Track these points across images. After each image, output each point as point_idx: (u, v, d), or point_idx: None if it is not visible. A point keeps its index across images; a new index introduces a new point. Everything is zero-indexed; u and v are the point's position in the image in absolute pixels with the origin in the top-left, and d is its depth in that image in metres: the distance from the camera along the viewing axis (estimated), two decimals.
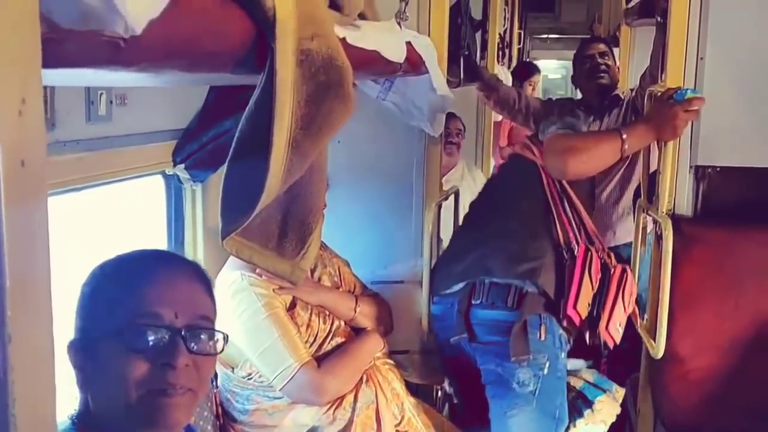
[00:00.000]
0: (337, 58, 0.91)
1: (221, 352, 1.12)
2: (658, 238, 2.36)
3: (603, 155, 2.29)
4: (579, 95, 3.57)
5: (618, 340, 2.25)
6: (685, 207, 2.40)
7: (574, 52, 3.50)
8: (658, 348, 2.23)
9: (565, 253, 2.23)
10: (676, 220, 2.35)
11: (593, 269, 2.17)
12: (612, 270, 2.22)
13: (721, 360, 2.31)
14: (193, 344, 1.05)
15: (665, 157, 2.33)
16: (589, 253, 2.18)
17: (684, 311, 2.31)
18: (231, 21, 0.83)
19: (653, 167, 2.50)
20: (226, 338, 1.12)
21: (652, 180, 2.52)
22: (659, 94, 2.35)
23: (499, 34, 5.02)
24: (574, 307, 2.11)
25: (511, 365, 2.15)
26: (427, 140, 2.51)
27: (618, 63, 3.68)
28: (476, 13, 4.02)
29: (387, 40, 1.64)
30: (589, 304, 2.16)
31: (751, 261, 2.30)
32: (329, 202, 2.50)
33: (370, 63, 1.48)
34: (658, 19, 3.00)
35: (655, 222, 2.41)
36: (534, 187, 2.38)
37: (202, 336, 1.08)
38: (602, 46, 3.42)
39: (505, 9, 5.31)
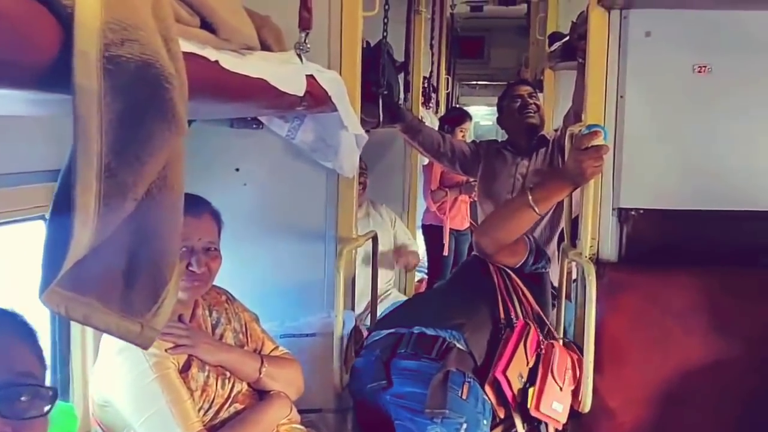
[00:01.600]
0: (161, 70, 0.74)
1: (47, 413, 0.93)
2: (583, 283, 2.24)
3: (517, 225, 2.28)
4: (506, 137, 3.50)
5: (560, 420, 2.06)
6: (609, 251, 2.30)
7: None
8: (584, 402, 2.09)
9: (502, 330, 2.15)
10: (601, 264, 2.25)
11: (529, 342, 2.07)
12: (543, 347, 2.12)
13: (651, 413, 2.19)
14: (5, 408, 0.86)
15: (586, 199, 2.23)
16: (528, 327, 2.10)
17: (611, 363, 2.18)
18: (29, 20, 0.66)
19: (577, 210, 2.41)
20: (55, 395, 0.93)
21: (576, 223, 2.43)
22: (578, 132, 2.27)
23: (425, 77, 4.96)
24: (504, 372, 1.96)
25: (424, 420, 1.97)
26: (339, 182, 2.35)
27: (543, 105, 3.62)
28: (399, 56, 3.93)
29: (279, 69, 1.49)
30: (521, 376, 2.01)
31: (676, 307, 2.20)
32: (234, 249, 2.33)
33: (254, 92, 1.31)
34: (580, 60, 2.96)
35: (578, 267, 2.30)
36: (483, 265, 2.34)
37: (21, 398, 0.90)
38: (529, 88, 3.37)
39: (431, 53, 5.26)
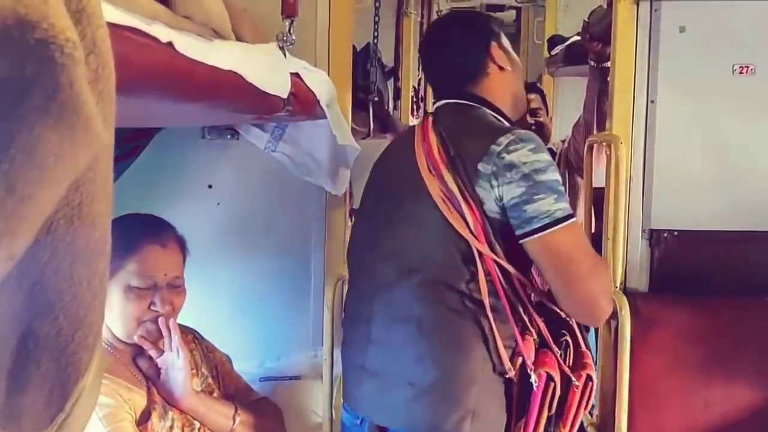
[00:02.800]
0: (49, 33, 0.42)
1: None
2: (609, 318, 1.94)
3: None
4: None
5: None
6: (639, 279, 1.99)
7: None
8: None
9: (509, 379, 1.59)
10: (629, 295, 1.94)
11: (554, 397, 1.57)
12: (575, 382, 1.58)
13: None
14: None
15: (613, 219, 1.93)
16: (552, 384, 1.55)
17: (644, 409, 1.88)
18: None
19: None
20: None
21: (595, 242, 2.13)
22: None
23: (413, 86, 4.67)
24: None
25: None
26: (327, 201, 2.03)
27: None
28: (388, 60, 3.64)
29: (257, 63, 1.17)
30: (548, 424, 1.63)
31: (720, 345, 1.90)
32: (206, 279, 2.00)
33: (223, 90, 0.99)
34: (592, 63, 2.68)
35: None
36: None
37: None
38: (535, 98, 3.06)
39: (419, 58, 4.98)
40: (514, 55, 1.82)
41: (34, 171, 0.44)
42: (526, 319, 1.59)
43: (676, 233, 1.98)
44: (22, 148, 0.42)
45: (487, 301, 1.53)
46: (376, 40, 2.79)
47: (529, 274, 1.61)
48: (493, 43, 1.74)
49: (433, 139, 1.63)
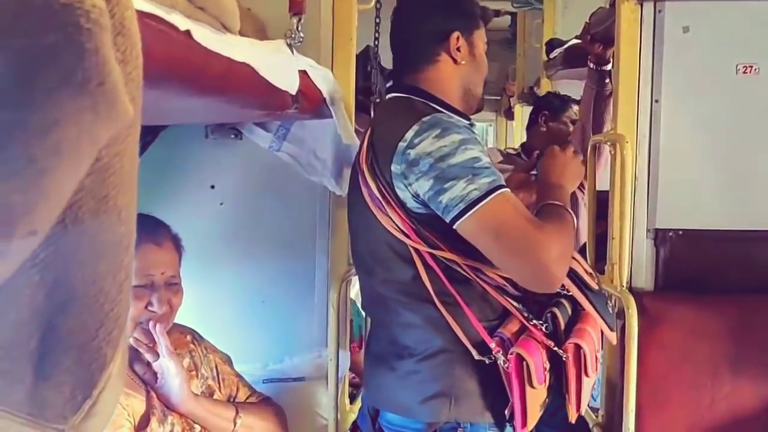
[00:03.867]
0: (78, 4, 0.41)
1: None
2: (615, 316, 1.93)
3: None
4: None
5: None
6: (645, 278, 1.99)
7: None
8: None
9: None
10: (635, 294, 1.94)
11: (534, 368, 1.50)
12: (563, 355, 1.55)
13: None
14: None
15: (618, 218, 1.92)
16: (524, 362, 1.49)
17: (651, 407, 1.87)
18: None
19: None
20: None
21: (599, 242, 2.13)
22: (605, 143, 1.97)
23: None
24: (525, 425, 1.52)
25: None
26: (332, 201, 2.02)
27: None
28: (386, 63, 3.63)
29: (269, 58, 1.16)
30: (542, 406, 1.63)
31: (726, 343, 1.90)
32: (208, 279, 1.99)
33: (237, 83, 0.99)
34: (591, 66, 2.68)
35: (609, 297, 1.99)
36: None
37: None
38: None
39: None
40: (482, 53, 1.68)
41: (55, 142, 0.42)
42: (490, 301, 1.56)
43: (681, 232, 1.98)
44: (43, 117, 0.40)
45: (433, 293, 1.52)
46: (377, 42, 2.78)
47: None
48: (456, 33, 1.61)
49: (364, 140, 1.62)
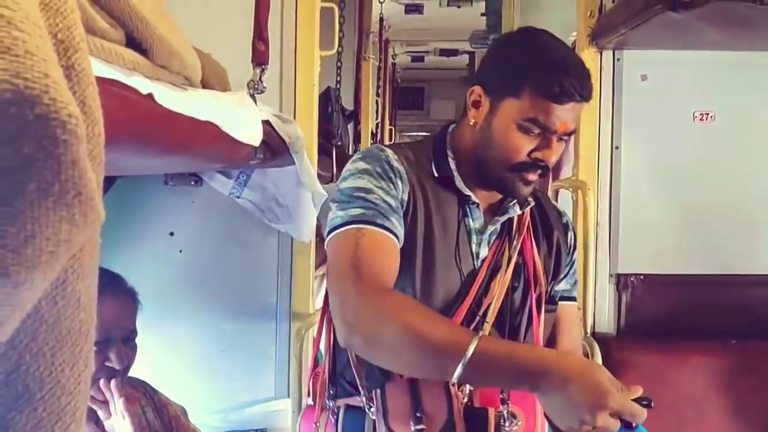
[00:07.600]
0: (53, 109, 0.38)
1: None
2: None
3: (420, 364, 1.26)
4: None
5: None
6: (607, 323, 2.00)
7: None
8: None
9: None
10: (597, 339, 1.94)
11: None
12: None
13: None
14: None
15: (583, 265, 1.93)
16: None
17: None
18: None
19: None
20: None
21: None
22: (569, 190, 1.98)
23: (371, 130, 4.69)
24: None
25: None
26: (294, 247, 1.99)
27: None
28: (347, 102, 3.64)
29: (233, 112, 1.14)
30: None
31: (687, 388, 1.90)
32: (166, 328, 1.93)
33: (201, 141, 0.96)
34: None
35: None
36: None
37: None
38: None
39: (377, 101, 5.00)
40: (502, 128, 1.28)
41: (31, 255, 0.40)
42: None
43: (642, 277, 1.99)
44: (18, 231, 0.38)
45: None
46: (339, 85, 2.78)
47: None
48: (476, 88, 1.32)
49: None
